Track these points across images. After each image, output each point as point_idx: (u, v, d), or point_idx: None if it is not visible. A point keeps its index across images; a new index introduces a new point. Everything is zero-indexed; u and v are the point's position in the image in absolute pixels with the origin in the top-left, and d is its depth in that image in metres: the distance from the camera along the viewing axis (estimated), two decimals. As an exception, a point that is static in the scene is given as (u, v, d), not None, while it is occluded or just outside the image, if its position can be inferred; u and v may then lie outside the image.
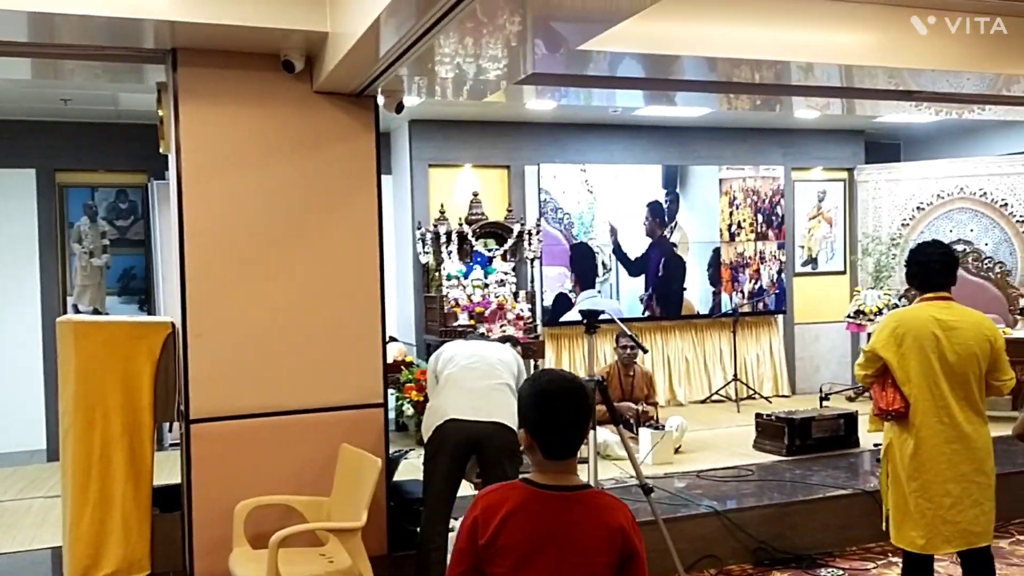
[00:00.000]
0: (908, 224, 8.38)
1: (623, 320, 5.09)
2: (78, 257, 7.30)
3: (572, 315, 7.79)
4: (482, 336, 5.08)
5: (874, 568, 4.62)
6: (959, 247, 7.99)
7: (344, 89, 4.02)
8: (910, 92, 5.63)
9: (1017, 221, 7.99)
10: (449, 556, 3.80)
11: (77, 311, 7.18)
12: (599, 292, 8.07)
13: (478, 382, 3.86)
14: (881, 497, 3.59)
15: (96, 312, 7.24)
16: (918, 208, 8.36)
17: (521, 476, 2.02)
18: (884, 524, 3.53)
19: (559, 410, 1.93)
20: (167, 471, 4.27)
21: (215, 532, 3.85)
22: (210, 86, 3.87)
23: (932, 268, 3.41)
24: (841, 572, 4.58)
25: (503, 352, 4.14)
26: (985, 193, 8.10)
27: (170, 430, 4.29)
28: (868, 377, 3.48)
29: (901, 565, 3.58)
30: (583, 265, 8.03)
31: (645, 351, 4.64)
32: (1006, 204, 8.02)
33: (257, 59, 3.90)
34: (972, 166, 8.27)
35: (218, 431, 3.92)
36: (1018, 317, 7.46)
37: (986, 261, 7.98)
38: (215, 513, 3.86)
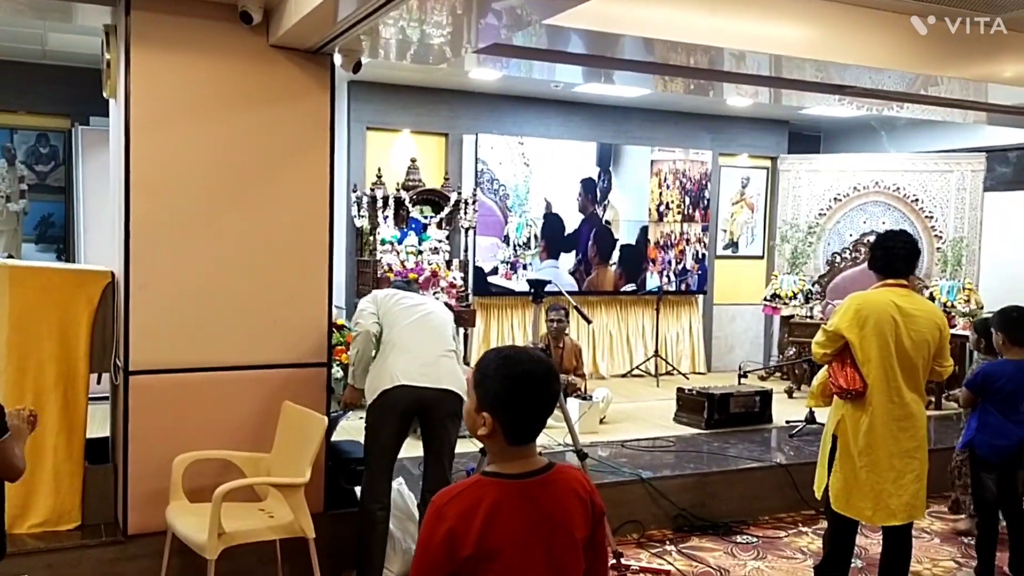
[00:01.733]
0: (825, 214, 8.76)
1: (557, 294, 5.21)
2: (-7, 201, 7.01)
3: (513, 285, 7.91)
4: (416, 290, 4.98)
5: (785, 536, 4.90)
6: (871, 238, 8.39)
7: (301, 45, 3.98)
8: (835, 86, 5.87)
9: (926, 216, 8.44)
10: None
11: (-9, 257, 6.90)
12: (557, 264, 8.21)
13: (426, 347, 3.90)
14: (817, 470, 3.77)
15: (11, 258, 6.96)
16: (835, 199, 8.74)
17: (483, 470, 1.87)
18: (819, 494, 3.72)
19: (536, 397, 1.80)
20: (90, 423, 4.18)
21: (151, 485, 3.82)
22: (164, 32, 3.77)
23: (897, 256, 3.61)
24: (755, 539, 4.85)
25: (444, 311, 4.15)
26: (899, 188, 8.53)
27: (99, 382, 4.19)
28: (827, 355, 3.64)
29: (826, 534, 3.80)
30: (552, 234, 8.15)
31: (589, 321, 4.77)
32: (917, 199, 8.47)
33: (214, 7, 3.82)
34: (887, 161, 8.68)
35: (158, 384, 3.87)
36: (921, 307, 7.91)
37: (895, 253, 8.41)
38: (152, 466, 3.82)
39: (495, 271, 7.98)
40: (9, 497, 3.76)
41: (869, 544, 4.62)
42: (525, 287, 7.45)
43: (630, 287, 8.67)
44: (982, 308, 7.34)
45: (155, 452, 3.83)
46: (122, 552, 3.85)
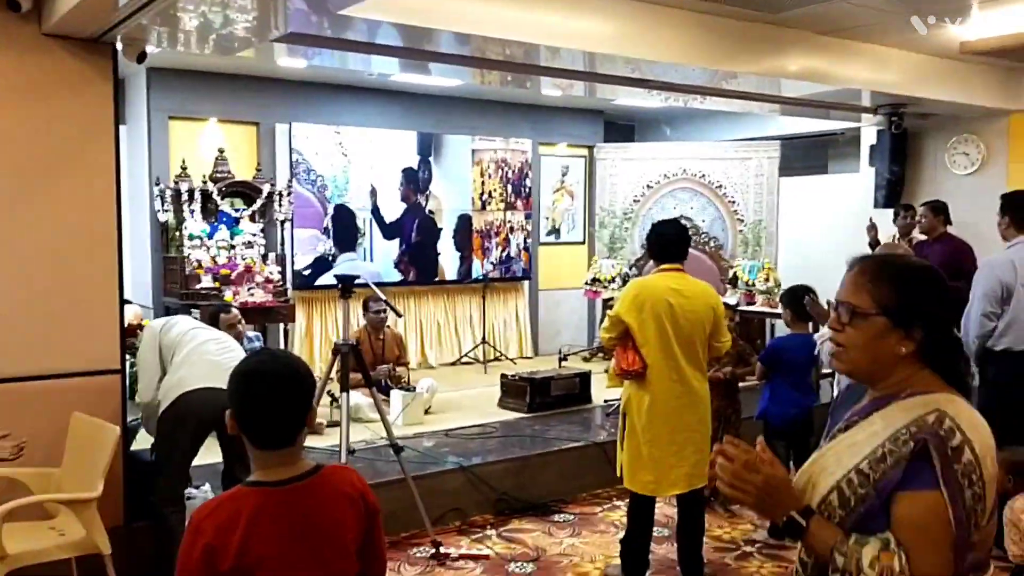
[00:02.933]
0: (639, 200, 9.13)
1: (378, 284, 5.17)
2: None
3: (327, 279, 7.74)
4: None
5: (600, 511, 5.10)
6: (681, 223, 8.83)
7: (79, 34, 3.73)
8: (644, 80, 6.14)
9: (729, 201, 8.96)
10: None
11: None
12: (356, 256, 8.07)
13: (219, 358, 3.82)
14: (616, 448, 3.96)
15: None
16: (648, 186, 9.12)
17: (246, 480, 1.81)
18: (618, 471, 3.91)
19: (264, 394, 1.75)
20: None
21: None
22: (-87, 16, 3.44)
23: (669, 242, 3.83)
24: (572, 516, 5.02)
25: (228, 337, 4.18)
26: (704, 175, 9.00)
27: None
28: (612, 340, 3.82)
29: (627, 508, 3.99)
30: (344, 228, 7.98)
31: (399, 315, 4.77)
32: (721, 185, 8.97)
33: (-26, -9, 3.52)
34: (694, 150, 9.15)
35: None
36: (727, 286, 8.42)
37: (703, 236, 8.89)
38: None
39: (316, 264, 7.81)
40: None
41: (675, 513, 4.87)
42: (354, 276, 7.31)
43: (455, 275, 8.72)
44: (779, 286, 7.88)
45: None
46: None
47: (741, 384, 5.20)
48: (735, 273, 8.38)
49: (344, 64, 6.62)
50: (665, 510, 4.79)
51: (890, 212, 7.30)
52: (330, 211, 7.88)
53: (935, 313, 1.57)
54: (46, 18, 3.64)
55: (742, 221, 8.84)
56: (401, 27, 4.60)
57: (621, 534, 4.24)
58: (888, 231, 7.07)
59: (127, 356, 4.29)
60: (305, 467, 1.81)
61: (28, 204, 3.73)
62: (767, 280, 8.10)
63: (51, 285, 3.79)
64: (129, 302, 6.77)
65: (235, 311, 5.02)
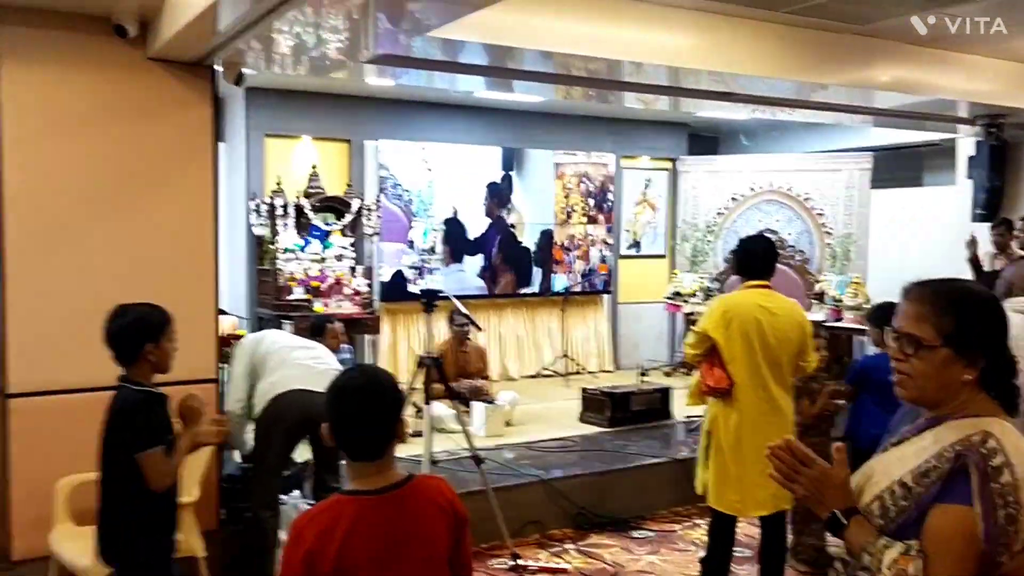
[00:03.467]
0: (723, 213, 9.03)
1: (460, 298, 5.28)
2: None
3: (413, 290, 7.92)
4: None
5: (680, 529, 5.07)
6: (767, 235, 8.70)
7: (180, 57, 3.94)
8: (729, 93, 6.10)
9: (817, 214, 8.79)
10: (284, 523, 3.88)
11: None
12: (463, 268, 8.26)
13: (311, 363, 3.96)
14: (696, 465, 3.93)
15: None
16: (732, 199, 9.02)
17: (343, 489, 1.93)
18: (700, 489, 3.88)
19: (357, 409, 1.85)
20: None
21: (35, 509, 3.73)
22: (36, 46, 3.69)
23: (757, 258, 3.80)
24: (652, 533, 4.99)
25: (320, 344, 4.38)
26: (791, 187, 8.85)
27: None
28: (697, 356, 3.79)
29: (708, 527, 3.96)
30: (455, 239, 8.19)
31: (480, 329, 4.85)
32: (808, 198, 8.80)
33: (87, 21, 3.76)
34: (781, 162, 9.01)
35: (39, 406, 3.78)
36: (813, 301, 8.24)
37: (789, 250, 8.73)
38: (35, 490, 3.74)
39: (401, 277, 7.98)
40: None
41: (758, 534, 4.80)
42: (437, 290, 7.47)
43: (536, 289, 8.78)
44: (869, 301, 7.68)
45: (39, 475, 3.74)
46: (5, 580, 3.75)
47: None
48: (822, 288, 8.20)
49: (430, 83, 6.79)
50: (747, 530, 4.72)
51: (987, 226, 7.04)
52: (420, 225, 8.05)
53: (995, 340, 1.63)
54: (151, 43, 3.86)
55: (830, 234, 8.66)
56: (486, 46, 4.70)
57: (701, 553, 4.20)
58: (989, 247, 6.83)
59: (223, 365, 4.49)
60: (397, 477, 1.90)
61: (132, 219, 3.95)
62: (856, 296, 7.89)
63: (152, 297, 3.96)
64: (225, 313, 7.08)
65: (339, 324, 5.25)
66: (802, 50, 5.40)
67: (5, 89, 3.66)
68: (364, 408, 1.85)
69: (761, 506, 3.69)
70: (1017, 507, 1.49)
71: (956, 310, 1.61)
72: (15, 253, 3.70)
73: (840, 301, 7.92)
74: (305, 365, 4.01)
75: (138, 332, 2.76)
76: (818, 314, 8.03)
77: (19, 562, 3.77)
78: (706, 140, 10.29)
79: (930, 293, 1.65)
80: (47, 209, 3.76)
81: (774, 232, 8.83)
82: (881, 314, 4.86)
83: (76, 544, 3.47)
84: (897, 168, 9.19)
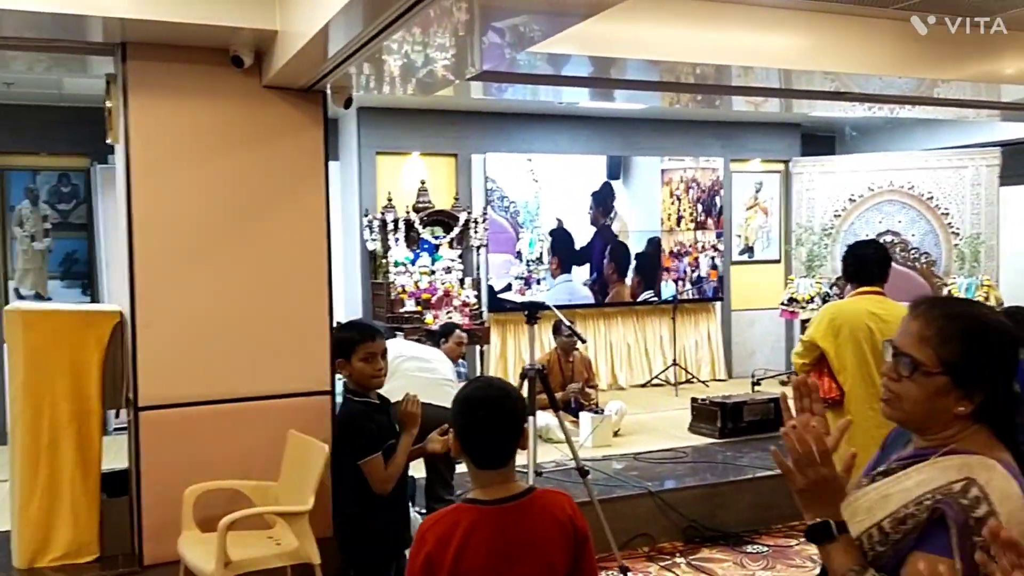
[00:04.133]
0: (840, 215, 8.72)
1: (568, 308, 5.30)
2: (19, 241, 7.24)
3: (515, 299, 8.01)
4: (418, 340, 5.38)
5: (796, 544, 4.90)
6: (887, 238, 8.36)
7: (293, 84, 4.11)
8: (843, 93, 5.90)
9: (942, 213, 8.37)
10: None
11: (19, 295, 7.13)
12: (571, 279, 8.31)
13: (423, 374, 4.05)
14: None
15: (38, 296, 7.20)
16: (850, 200, 8.70)
17: (464, 497, 1.99)
18: None
19: (484, 419, 1.91)
20: (112, 455, 4.34)
21: (164, 516, 3.94)
22: (160, 79, 3.92)
23: (870, 263, 3.67)
24: (766, 548, 4.86)
25: (436, 352, 4.41)
26: (913, 186, 8.46)
27: (116, 416, 4.35)
28: (805, 365, 3.68)
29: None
30: (563, 249, 8.26)
31: (583, 341, 4.85)
32: (932, 197, 8.39)
33: (206, 53, 3.96)
34: (901, 160, 8.62)
35: (167, 418, 4.00)
36: (940, 306, 7.84)
37: (912, 251, 8.36)
38: (164, 498, 3.95)
39: (508, 287, 8.06)
40: (30, 531, 3.95)
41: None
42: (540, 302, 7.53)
43: (645, 297, 8.70)
44: (1001, 305, 7.26)
45: (167, 484, 3.95)
46: (138, 582, 3.98)
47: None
48: (950, 291, 7.80)
49: (535, 95, 6.85)
50: (867, 546, 4.53)
51: None
52: (527, 236, 8.11)
53: (1000, 377, 1.50)
54: (265, 72, 4.04)
55: (957, 235, 8.23)
56: (591, 58, 4.71)
57: (817, 570, 4.08)
58: None
59: (338, 377, 4.64)
60: (518, 488, 1.94)
61: (251, 239, 4.14)
62: (987, 299, 7.47)
63: (269, 314, 4.18)
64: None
65: (464, 334, 5.51)
66: (920, 45, 5.17)
67: (133, 120, 3.91)
68: (493, 418, 1.92)
69: None
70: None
71: (963, 339, 1.49)
72: (143, 274, 3.94)
73: (969, 305, 7.51)
74: (416, 376, 4.11)
75: (334, 348, 3.03)
76: (945, 319, 7.64)
77: (149, 566, 3.99)
78: (821, 140, 9.96)
79: (939, 315, 1.54)
80: (172, 232, 3.99)
81: (896, 234, 8.47)
82: (1015, 319, 4.60)
83: (201, 549, 3.66)
84: (1030, 163, 8.67)
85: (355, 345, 2.99)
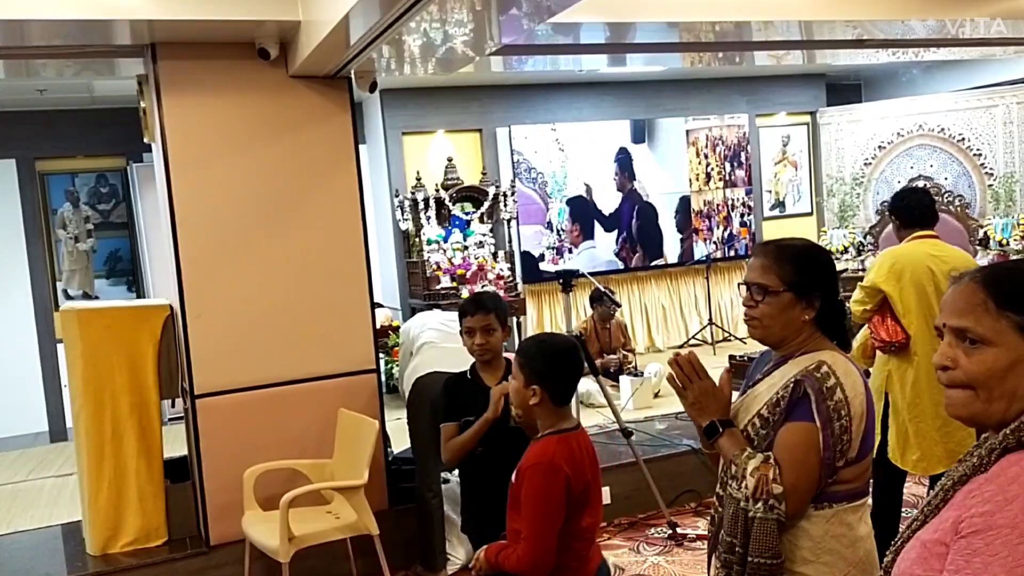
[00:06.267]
0: (870, 163, 8.65)
1: (595, 274, 5.36)
2: (64, 243, 7.45)
3: (550, 269, 8.07)
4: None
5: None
6: (920, 183, 8.28)
7: (319, 72, 4.19)
8: (866, 40, 5.84)
9: (974, 154, 8.27)
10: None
11: (68, 296, 7.35)
12: (594, 245, 8.36)
13: (446, 343, 4.13)
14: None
15: (86, 295, 7.41)
16: (879, 147, 8.62)
17: (551, 432, 2.32)
18: (875, 453, 3.80)
19: (568, 362, 2.35)
20: (169, 443, 4.51)
21: (226, 498, 4.11)
22: (190, 77, 4.03)
23: (922, 206, 3.71)
24: (812, 498, 4.91)
25: None
26: (943, 129, 8.36)
27: (172, 405, 4.52)
28: (868, 311, 3.69)
29: (873, 486, 3.86)
30: (583, 216, 8.31)
31: (618, 305, 4.91)
32: (963, 139, 8.29)
33: (233, 48, 4.05)
34: (930, 103, 8.52)
35: (222, 404, 4.15)
36: (978, 248, 7.78)
37: (946, 195, 8.27)
38: (225, 480, 4.11)
39: (541, 258, 8.13)
40: (101, 519, 4.14)
41: (924, 492, 4.65)
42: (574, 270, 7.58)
43: (676, 259, 8.72)
44: (1039, 243, 7.20)
45: (227, 467, 4.11)
46: (207, 562, 4.15)
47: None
48: (986, 233, 7.73)
49: (556, 65, 6.87)
50: (912, 489, 4.58)
51: None
52: (556, 206, 8.17)
53: (828, 285, 1.93)
54: (291, 62, 4.13)
55: (991, 175, 8.14)
56: (608, 25, 4.72)
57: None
58: None
59: (381, 355, 4.77)
60: (576, 419, 2.42)
61: (289, 227, 4.25)
62: (1023, 238, 7.39)
63: (312, 298, 4.30)
64: (380, 306, 7.47)
65: None
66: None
67: (167, 119, 4.02)
68: (574, 360, 2.38)
69: (939, 462, 3.58)
70: (849, 420, 1.79)
71: (794, 261, 1.90)
72: (189, 267, 4.07)
73: (1007, 245, 7.44)
74: (442, 348, 4.18)
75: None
76: (983, 260, 7.59)
77: (216, 546, 4.17)
78: (847, 88, 9.84)
79: (773, 249, 1.95)
80: (213, 224, 4.11)
81: (929, 178, 8.40)
82: None
83: (264, 527, 3.82)
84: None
85: (462, 318, 3.07)
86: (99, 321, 4.16)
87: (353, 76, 4.27)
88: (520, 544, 2.25)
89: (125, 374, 4.18)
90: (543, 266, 8.12)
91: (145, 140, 4.46)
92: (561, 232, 8.21)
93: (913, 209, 3.70)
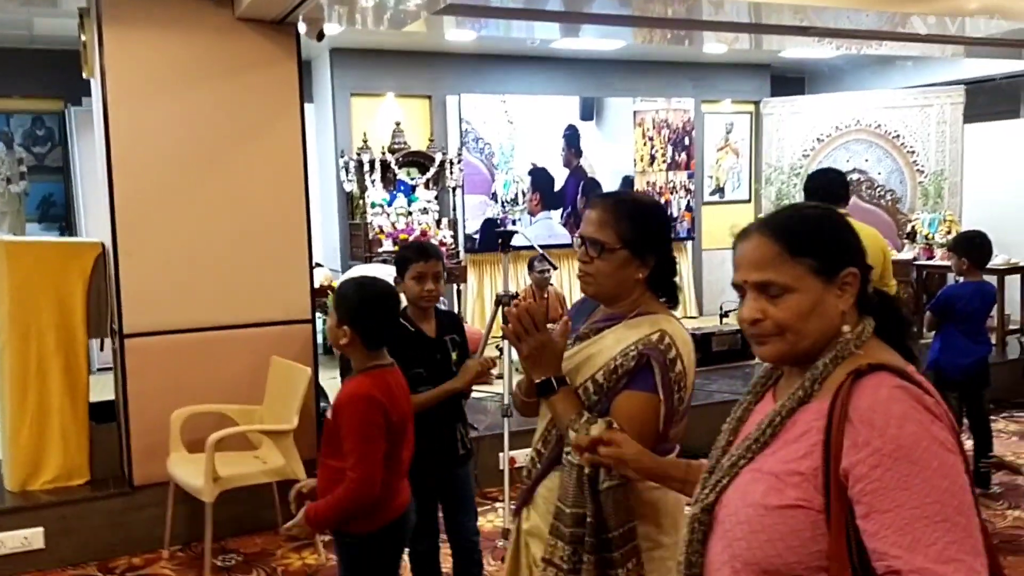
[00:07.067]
0: (808, 155, 8.87)
1: (547, 248, 5.43)
2: (-5, 185, 7.25)
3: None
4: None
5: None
6: (854, 176, 8.53)
7: (266, 16, 4.16)
8: (810, 28, 5.98)
9: (908, 151, 8.54)
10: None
11: (-3, 239, 7.16)
12: (551, 217, 8.44)
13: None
14: None
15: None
16: (818, 139, 8.84)
17: (370, 366, 2.38)
18: None
19: (387, 308, 2.39)
20: (98, 391, 4.45)
21: (152, 439, 4.08)
22: (134, 11, 3.96)
23: (834, 186, 3.86)
24: (731, 466, 5.08)
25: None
26: (879, 125, 8.61)
27: (101, 348, 4.46)
28: None
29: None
30: (543, 187, 8.38)
31: (555, 268, 4.98)
32: (898, 135, 8.56)
33: (180, -15, 4.01)
34: (868, 99, 8.76)
35: (152, 345, 4.12)
36: (905, 241, 8.07)
37: (878, 189, 8.55)
38: (151, 422, 4.09)
39: (487, 225, 8.17)
40: (22, 456, 4.08)
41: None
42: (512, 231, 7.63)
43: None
44: (962, 239, 7.48)
45: (154, 408, 4.09)
46: (129, 502, 4.13)
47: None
48: (914, 227, 8.01)
49: (508, 33, 6.88)
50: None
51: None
52: (500, 178, 8.21)
53: (663, 244, 1.90)
54: (238, 3, 4.09)
55: (922, 172, 8.42)
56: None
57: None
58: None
59: (317, 314, 4.77)
60: (389, 359, 2.46)
61: (229, 172, 4.23)
62: (949, 233, 7.67)
63: (250, 245, 4.28)
64: (320, 265, 7.43)
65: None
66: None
67: (108, 54, 3.96)
68: (390, 306, 2.41)
69: None
70: (684, 390, 1.83)
71: (633, 218, 1.85)
72: (123, 206, 4.02)
73: (932, 239, 7.72)
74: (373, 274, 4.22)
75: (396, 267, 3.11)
76: (909, 253, 7.87)
77: (140, 487, 4.15)
78: (792, 81, 10.06)
79: (611, 204, 1.90)
80: (151, 163, 4.06)
81: (863, 172, 8.64)
82: (965, 244, 4.79)
83: (189, 468, 3.82)
84: (992, 101, 8.82)
85: (408, 263, 2.99)
86: (27, 254, 4.09)
87: (301, 23, 4.25)
88: (346, 477, 2.26)
89: (53, 311, 4.12)
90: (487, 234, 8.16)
91: (84, 75, 4.38)
92: (505, 204, 8.26)
93: (821, 189, 3.85)
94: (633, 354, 1.78)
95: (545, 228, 8.30)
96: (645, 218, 1.88)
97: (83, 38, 4.23)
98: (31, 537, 3.92)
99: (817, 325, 1.28)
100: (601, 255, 1.85)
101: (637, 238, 1.85)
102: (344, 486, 2.27)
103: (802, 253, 1.28)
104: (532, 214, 8.37)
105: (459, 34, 6.95)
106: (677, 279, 1.97)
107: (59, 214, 7.45)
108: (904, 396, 1.18)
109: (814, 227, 1.32)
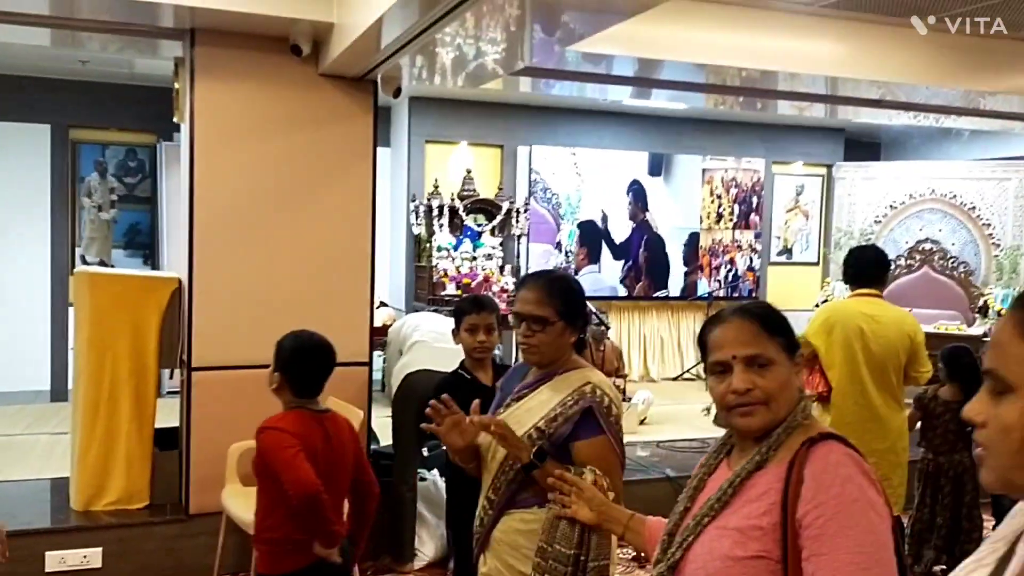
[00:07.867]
0: (880, 221, 8.76)
1: (599, 299, 5.50)
2: (87, 211, 7.66)
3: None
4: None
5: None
6: (927, 246, 8.40)
7: (347, 73, 4.37)
8: (888, 101, 5.96)
9: (983, 224, 8.37)
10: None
11: (85, 262, 7.55)
12: (596, 270, 8.51)
13: (438, 343, 4.28)
14: None
15: (102, 263, 7.61)
16: (891, 206, 8.74)
17: (291, 407, 2.67)
18: None
19: (318, 361, 2.66)
20: (164, 416, 4.65)
21: (209, 470, 4.24)
22: (224, 64, 4.22)
23: (868, 265, 3.80)
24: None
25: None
26: (956, 195, 8.47)
27: (171, 377, 4.67)
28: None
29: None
30: (592, 241, 8.48)
31: (607, 327, 5.04)
32: (974, 207, 8.40)
33: (268, 42, 4.24)
34: (944, 169, 8.63)
35: (217, 379, 4.31)
36: (976, 315, 7.87)
37: (951, 261, 8.38)
38: (211, 453, 4.25)
39: (548, 277, 8.26)
40: (88, 476, 4.28)
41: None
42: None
43: (680, 292, 8.85)
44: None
45: (214, 440, 4.25)
46: (184, 529, 4.29)
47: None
48: (986, 301, 7.82)
49: (582, 92, 7.04)
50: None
51: None
52: (567, 228, 8.32)
53: (583, 312, 2.25)
54: (322, 60, 4.32)
55: (998, 246, 8.24)
56: (636, 59, 4.89)
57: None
58: None
59: (377, 352, 4.91)
60: (321, 405, 2.72)
61: (301, 217, 4.42)
62: (1022, 311, 7.48)
63: (314, 287, 4.46)
64: (384, 304, 7.63)
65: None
66: (965, 57, 5.25)
67: (198, 102, 4.21)
68: (322, 360, 2.67)
69: None
70: (620, 430, 2.14)
71: (563, 294, 2.17)
72: (201, 244, 4.24)
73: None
74: (434, 348, 4.32)
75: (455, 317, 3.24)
76: (979, 328, 7.67)
77: (195, 515, 4.31)
78: (866, 146, 9.98)
79: (544, 283, 2.21)
80: (229, 206, 4.29)
81: (936, 242, 8.50)
82: (951, 359, 4.47)
83: (241, 501, 3.95)
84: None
85: (462, 315, 3.11)
86: (109, 286, 4.33)
87: (379, 80, 4.45)
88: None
89: (128, 340, 4.34)
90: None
91: (175, 120, 4.65)
92: (569, 254, 8.36)
93: (857, 267, 3.81)
94: (571, 403, 2.10)
95: (592, 282, 8.32)
96: (573, 292, 2.23)
97: (176, 85, 4.50)
98: (90, 556, 4.10)
99: (787, 397, 1.49)
100: (545, 329, 2.14)
101: (569, 310, 2.17)
102: (289, 491, 2.50)
103: (776, 333, 1.50)
104: (577, 269, 8.42)
105: (533, 88, 7.13)
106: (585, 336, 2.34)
107: (144, 242, 7.82)
108: (850, 462, 1.39)
109: (779, 314, 1.56)
